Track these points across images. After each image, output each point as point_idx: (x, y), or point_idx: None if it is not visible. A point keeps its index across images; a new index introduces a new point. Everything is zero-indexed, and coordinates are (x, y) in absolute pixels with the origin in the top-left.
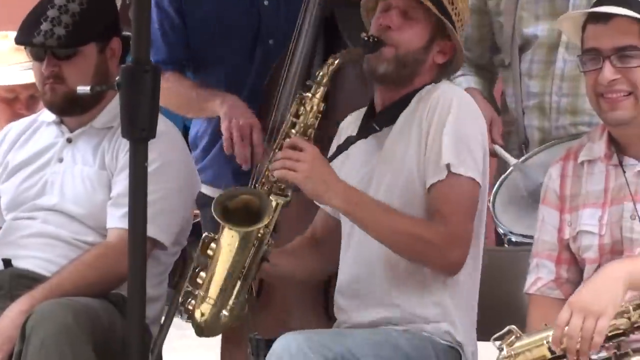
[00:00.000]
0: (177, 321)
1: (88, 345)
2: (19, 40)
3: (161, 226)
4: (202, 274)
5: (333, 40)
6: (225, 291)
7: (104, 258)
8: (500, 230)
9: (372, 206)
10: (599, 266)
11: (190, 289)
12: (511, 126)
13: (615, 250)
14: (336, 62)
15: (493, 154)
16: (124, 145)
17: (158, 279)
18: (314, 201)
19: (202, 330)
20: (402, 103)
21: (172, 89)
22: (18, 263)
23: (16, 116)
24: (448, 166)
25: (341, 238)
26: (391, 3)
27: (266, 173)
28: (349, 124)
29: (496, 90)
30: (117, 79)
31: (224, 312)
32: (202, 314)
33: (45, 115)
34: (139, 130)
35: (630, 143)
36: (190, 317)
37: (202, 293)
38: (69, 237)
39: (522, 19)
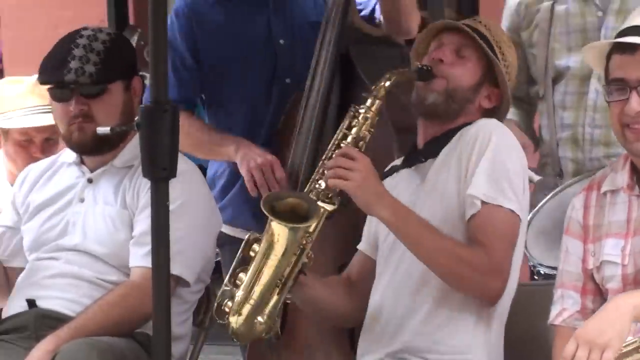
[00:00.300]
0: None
1: None
2: (47, 79)
3: (184, 264)
4: (242, 275)
5: (349, 77)
6: (265, 295)
7: (128, 297)
8: (530, 262)
9: (418, 223)
10: None
11: (229, 288)
12: (547, 158)
13: (638, 280)
14: (393, 78)
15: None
16: (145, 184)
17: (182, 317)
18: (364, 211)
19: (237, 333)
20: (445, 138)
21: (184, 130)
22: (42, 303)
23: (32, 159)
24: (487, 198)
25: (373, 280)
26: (444, 42)
27: (314, 183)
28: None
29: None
30: (136, 119)
31: (260, 319)
32: (240, 315)
33: (65, 156)
34: (160, 170)
35: None
36: (225, 317)
37: (242, 293)
38: (93, 277)
39: (554, 51)
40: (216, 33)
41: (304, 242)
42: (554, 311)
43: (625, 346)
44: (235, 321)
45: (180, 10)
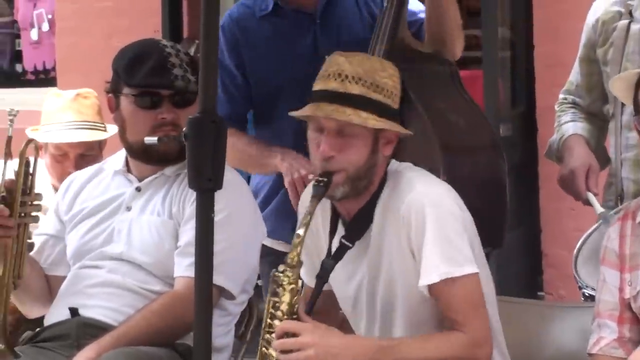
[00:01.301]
0: None
1: None
2: (154, 83)
3: (229, 275)
4: None
5: None
6: None
7: (171, 307)
8: (578, 284)
9: (390, 350)
10: None
11: None
12: (612, 178)
13: None
14: (301, 237)
15: (586, 202)
16: (191, 194)
17: (225, 329)
18: None
19: None
20: (367, 213)
21: (233, 145)
22: (85, 312)
23: (66, 174)
24: (442, 276)
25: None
26: (323, 126)
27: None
28: (317, 219)
29: None
30: (184, 129)
31: None
32: None
33: (111, 164)
34: (205, 181)
35: None
36: None
37: None
38: (136, 286)
39: (626, 70)
40: (262, 48)
41: None
42: (591, 340)
43: None
44: None
45: (226, 26)
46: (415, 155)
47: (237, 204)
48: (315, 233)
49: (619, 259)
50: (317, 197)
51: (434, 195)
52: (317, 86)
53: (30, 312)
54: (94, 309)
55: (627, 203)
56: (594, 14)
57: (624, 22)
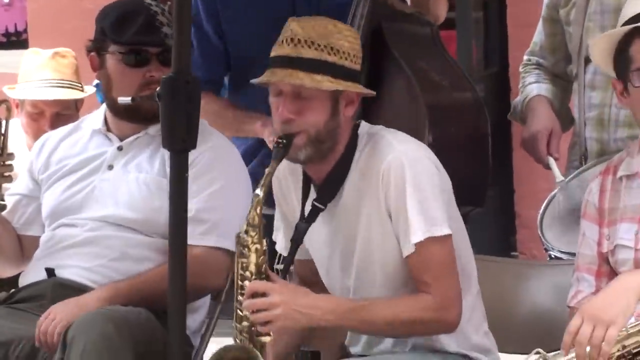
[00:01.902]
0: (218, 332)
1: (129, 354)
2: (143, 41)
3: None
4: None
5: (380, 52)
6: None
7: (189, 269)
8: (544, 246)
9: (359, 311)
10: None
11: None
12: (576, 137)
13: None
14: (259, 196)
15: (547, 166)
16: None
17: None
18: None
19: None
20: (339, 175)
21: (208, 108)
22: (61, 273)
23: (41, 133)
24: (420, 236)
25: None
26: (281, 89)
27: (239, 324)
28: (288, 183)
29: None
30: (157, 89)
31: None
32: None
33: (89, 122)
34: (179, 141)
35: None
36: None
37: None
38: (117, 246)
39: (588, 30)
40: (240, 13)
41: None
42: (570, 293)
43: (630, 327)
44: None
45: None
46: (401, 113)
47: (229, 171)
48: (290, 201)
49: (598, 213)
50: (277, 159)
51: (413, 155)
52: (273, 52)
53: (3, 271)
54: (70, 269)
55: (590, 163)
56: None
57: None
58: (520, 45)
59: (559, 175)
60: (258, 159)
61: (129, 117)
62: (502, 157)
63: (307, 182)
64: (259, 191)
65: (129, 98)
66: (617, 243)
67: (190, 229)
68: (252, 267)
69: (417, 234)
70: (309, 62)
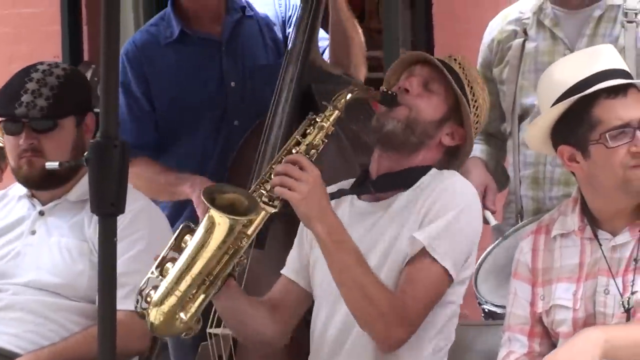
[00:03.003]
0: None
1: None
2: (1, 112)
3: None
4: (170, 265)
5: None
6: (191, 290)
7: None
8: (478, 300)
9: (349, 251)
10: None
11: (155, 275)
12: (511, 196)
13: (587, 324)
14: (355, 92)
15: (484, 220)
16: None
17: None
18: (302, 222)
19: (155, 326)
20: (400, 178)
21: (141, 174)
22: None
23: None
24: (429, 246)
25: (298, 306)
26: (414, 73)
27: (260, 184)
28: None
29: None
30: (85, 154)
31: (182, 315)
32: (161, 306)
33: (15, 189)
34: (108, 206)
35: (607, 218)
36: (146, 308)
37: (167, 284)
38: (40, 311)
39: (522, 89)
40: (168, 75)
41: (240, 242)
42: (501, 354)
43: None
44: (155, 313)
45: (130, 54)
46: (334, 175)
47: (156, 233)
48: None
49: (531, 272)
50: (382, 103)
51: (471, 196)
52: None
53: None
54: None
55: (527, 220)
56: (489, 34)
57: (519, 40)
58: None
59: (493, 221)
60: (183, 217)
61: (21, 183)
62: None
63: (362, 180)
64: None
65: (57, 163)
66: (553, 303)
67: None
68: (303, 147)
69: (423, 236)
70: (454, 73)
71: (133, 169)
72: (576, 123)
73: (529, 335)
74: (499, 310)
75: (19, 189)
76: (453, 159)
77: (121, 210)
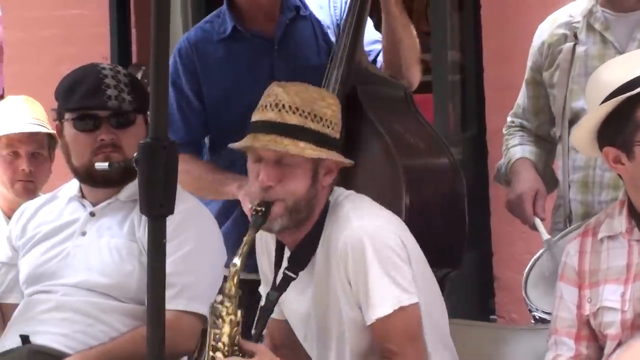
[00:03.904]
0: None
1: None
2: (85, 105)
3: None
4: None
5: (355, 115)
6: None
7: None
8: (528, 307)
9: None
10: (619, 342)
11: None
12: (560, 199)
13: (636, 326)
14: (237, 266)
15: (533, 227)
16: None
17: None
18: None
19: None
20: (310, 244)
21: (189, 171)
22: (36, 339)
23: (18, 174)
24: (383, 312)
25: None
26: (261, 155)
27: None
28: (269, 246)
29: None
30: (135, 155)
31: None
32: None
33: (65, 191)
34: (157, 207)
35: None
36: None
37: None
38: (90, 312)
39: (572, 93)
40: (219, 72)
41: None
42: (547, 357)
43: None
44: None
45: (183, 50)
46: (378, 175)
47: (204, 234)
48: (270, 262)
49: (577, 275)
50: (255, 227)
51: (371, 229)
52: (255, 117)
53: None
54: (45, 336)
55: (575, 225)
56: (539, 37)
57: (569, 44)
58: (497, 109)
59: (545, 234)
60: (232, 219)
61: (91, 182)
62: (480, 219)
63: (280, 249)
64: (236, 260)
65: (106, 164)
66: (601, 305)
67: None
68: (225, 339)
69: (386, 308)
70: (293, 129)
71: (180, 166)
72: (621, 124)
73: (576, 338)
74: (548, 317)
75: (67, 191)
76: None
77: (170, 211)
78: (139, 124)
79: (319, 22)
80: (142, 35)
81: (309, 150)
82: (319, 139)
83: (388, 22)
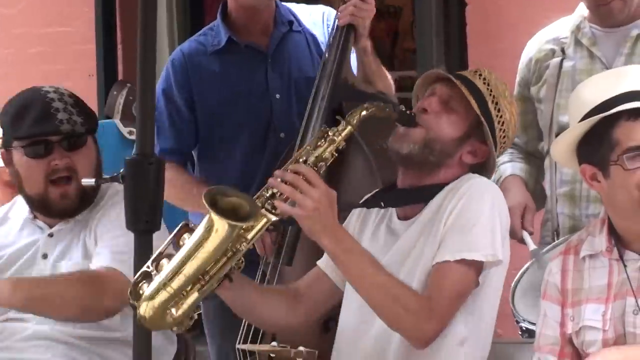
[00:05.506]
0: None
1: None
2: (39, 132)
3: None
4: (165, 261)
5: None
6: (184, 287)
7: (95, 280)
8: (515, 318)
9: (361, 258)
10: None
11: (150, 270)
12: (548, 214)
13: (618, 345)
14: (370, 110)
15: (522, 240)
16: (97, 223)
17: None
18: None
19: (145, 319)
20: (424, 195)
21: (173, 181)
22: None
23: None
24: (451, 257)
25: (325, 300)
26: (435, 91)
27: (265, 191)
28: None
29: None
30: (121, 171)
31: (172, 311)
32: (153, 300)
33: (16, 211)
34: (142, 222)
35: (633, 239)
36: (137, 299)
37: (162, 279)
38: (65, 336)
39: (559, 107)
40: (212, 83)
41: (239, 245)
42: None
43: None
44: (146, 307)
45: (177, 61)
46: (361, 192)
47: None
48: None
49: (560, 293)
50: (400, 122)
51: (497, 191)
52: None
53: None
54: None
55: (563, 238)
56: (527, 53)
57: (556, 59)
58: None
59: (532, 245)
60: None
61: (46, 212)
62: None
63: (387, 190)
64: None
65: (93, 180)
66: (583, 324)
67: (97, 257)
68: (313, 158)
69: (487, 250)
70: (476, 90)
71: (166, 174)
72: (598, 143)
73: (559, 355)
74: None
75: (19, 211)
76: (478, 173)
77: (157, 226)
78: (89, 145)
79: (312, 36)
80: (128, 53)
81: (476, 108)
82: (491, 121)
83: (362, 66)
